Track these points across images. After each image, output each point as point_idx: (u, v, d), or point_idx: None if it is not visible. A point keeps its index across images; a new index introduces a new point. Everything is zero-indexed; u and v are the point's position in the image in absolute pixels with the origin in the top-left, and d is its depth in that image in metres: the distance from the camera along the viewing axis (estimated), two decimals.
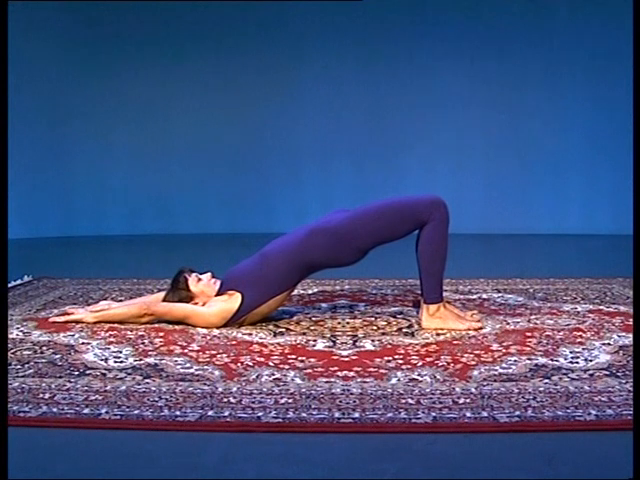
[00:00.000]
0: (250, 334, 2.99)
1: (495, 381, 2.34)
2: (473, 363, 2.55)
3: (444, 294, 3.14)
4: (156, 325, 3.16)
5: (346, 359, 2.63)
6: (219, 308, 3.09)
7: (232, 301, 3.08)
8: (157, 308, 3.17)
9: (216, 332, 3.03)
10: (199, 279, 3.18)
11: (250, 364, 2.57)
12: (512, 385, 2.29)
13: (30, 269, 4.52)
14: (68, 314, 3.27)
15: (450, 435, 1.94)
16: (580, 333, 2.96)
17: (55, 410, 2.11)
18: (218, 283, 3.19)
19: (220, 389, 2.29)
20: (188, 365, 2.56)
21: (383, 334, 2.98)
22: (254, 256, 3.21)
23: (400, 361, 2.58)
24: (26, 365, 2.57)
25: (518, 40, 6.88)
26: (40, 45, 6.87)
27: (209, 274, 3.22)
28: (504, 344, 2.79)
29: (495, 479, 1.71)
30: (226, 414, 2.07)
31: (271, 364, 2.56)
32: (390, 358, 2.62)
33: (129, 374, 2.46)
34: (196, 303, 3.14)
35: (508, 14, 6.87)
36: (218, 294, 3.16)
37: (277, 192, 7.21)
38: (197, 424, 2.01)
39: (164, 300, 3.24)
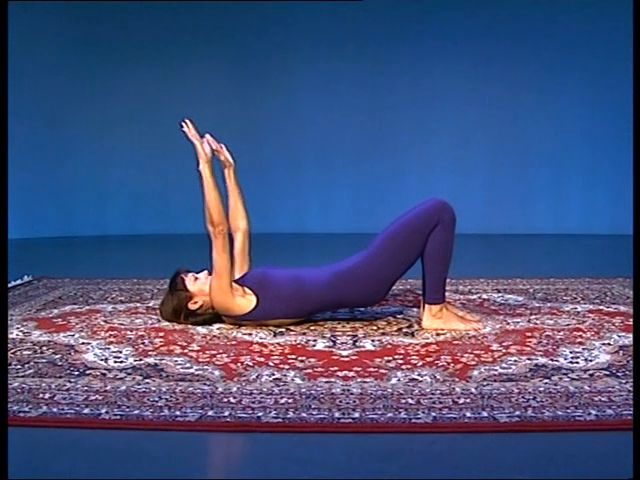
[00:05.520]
0: (250, 334, 2.99)
1: (495, 381, 2.34)
2: (473, 363, 2.55)
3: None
4: (156, 325, 3.17)
5: (346, 359, 2.62)
6: (235, 302, 3.05)
7: (246, 303, 3.06)
8: (221, 238, 3.03)
9: (216, 332, 3.03)
10: (196, 278, 3.17)
11: (250, 364, 2.56)
12: (512, 385, 2.29)
13: (30, 269, 4.51)
14: (199, 140, 3.14)
15: (450, 435, 1.94)
16: (580, 333, 2.96)
17: (55, 410, 2.11)
18: None
19: (220, 389, 2.29)
20: (188, 365, 2.56)
21: (383, 334, 2.98)
22: (288, 271, 3.17)
23: (400, 361, 2.58)
24: (26, 365, 2.57)
25: (518, 40, 6.88)
26: (40, 45, 6.86)
27: (205, 272, 3.20)
28: (504, 344, 2.79)
29: (495, 479, 1.71)
30: (226, 414, 2.07)
31: (271, 364, 2.56)
32: (390, 358, 2.62)
33: (129, 374, 2.45)
34: (196, 302, 3.13)
35: (508, 15, 6.87)
36: (238, 282, 3.10)
37: (277, 193, 7.20)
38: (197, 424, 2.01)
39: (162, 304, 3.25)
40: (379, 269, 3.03)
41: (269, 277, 3.12)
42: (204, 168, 3.10)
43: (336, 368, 2.50)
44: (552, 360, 2.57)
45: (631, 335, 2.86)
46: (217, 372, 2.47)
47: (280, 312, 3.07)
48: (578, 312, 3.36)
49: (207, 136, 3.21)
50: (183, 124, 3.16)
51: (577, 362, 2.55)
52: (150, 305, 3.60)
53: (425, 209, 3.05)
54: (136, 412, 2.10)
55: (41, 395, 2.24)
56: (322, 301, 3.09)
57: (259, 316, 3.06)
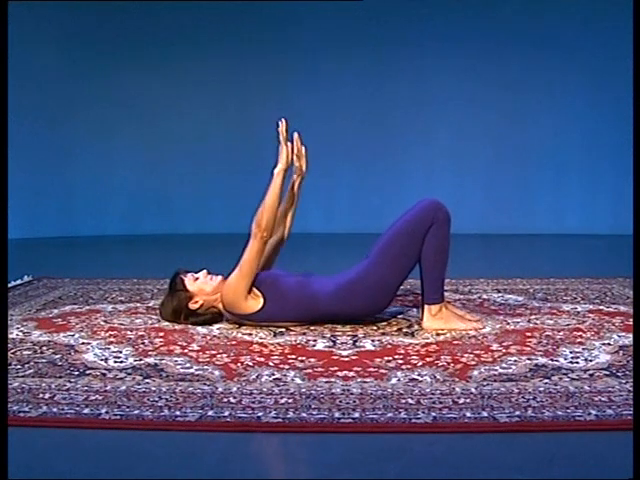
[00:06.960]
0: (250, 334, 2.99)
1: (495, 381, 2.34)
2: (473, 363, 2.55)
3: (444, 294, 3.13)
4: (156, 325, 3.17)
5: (346, 359, 2.62)
6: (245, 302, 3.05)
7: (254, 303, 3.05)
8: (261, 243, 3.00)
9: (216, 332, 3.03)
10: (196, 278, 3.16)
11: (250, 364, 2.57)
12: (512, 385, 2.29)
13: (30, 269, 4.51)
14: (287, 145, 3.06)
15: (450, 435, 1.94)
16: (580, 333, 2.96)
17: (55, 410, 2.11)
18: (217, 278, 3.16)
19: (220, 389, 2.29)
20: (188, 365, 2.56)
21: (383, 334, 2.98)
22: (298, 277, 3.14)
23: (400, 361, 2.58)
24: (26, 365, 2.57)
25: (518, 41, 6.89)
26: (40, 45, 6.87)
27: (204, 271, 3.20)
28: (504, 344, 2.79)
29: (495, 479, 1.71)
30: (226, 414, 2.07)
31: (271, 364, 2.56)
32: (390, 358, 2.62)
33: (129, 374, 2.46)
34: (196, 302, 3.14)
35: (508, 16, 6.88)
36: (253, 287, 3.07)
37: None
38: (197, 424, 2.01)
39: (162, 305, 3.25)
40: (382, 277, 3.02)
41: (278, 281, 3.11)
42: (279, 174, 3.06)
43: (336, 368, 2.50)
44: (552, 360, 2.57)
45: (631, 335, 2.86)
46: (217, 372, 2.47)
47: (284, 316, 3.07)
48: (578, 312, 3.36)
49: (295, 136, 3.16)
50: (279, 123, 3.10)
51: (577, 362, 2.55)
52: (150, 305, 3.60)
53: (418, 211, 3.04)
54: (136, 412, 2.10)
55: (41, 395, 2.24)
56: (327, 312, 3.09)
57: (263, 318, 3.06)
